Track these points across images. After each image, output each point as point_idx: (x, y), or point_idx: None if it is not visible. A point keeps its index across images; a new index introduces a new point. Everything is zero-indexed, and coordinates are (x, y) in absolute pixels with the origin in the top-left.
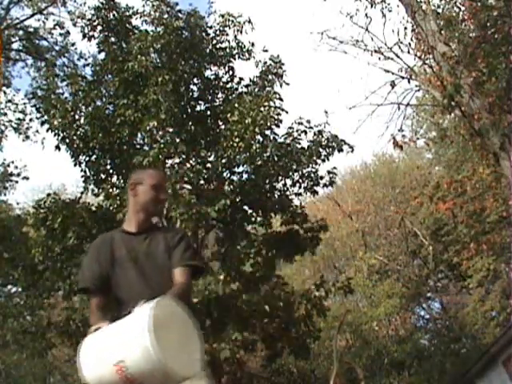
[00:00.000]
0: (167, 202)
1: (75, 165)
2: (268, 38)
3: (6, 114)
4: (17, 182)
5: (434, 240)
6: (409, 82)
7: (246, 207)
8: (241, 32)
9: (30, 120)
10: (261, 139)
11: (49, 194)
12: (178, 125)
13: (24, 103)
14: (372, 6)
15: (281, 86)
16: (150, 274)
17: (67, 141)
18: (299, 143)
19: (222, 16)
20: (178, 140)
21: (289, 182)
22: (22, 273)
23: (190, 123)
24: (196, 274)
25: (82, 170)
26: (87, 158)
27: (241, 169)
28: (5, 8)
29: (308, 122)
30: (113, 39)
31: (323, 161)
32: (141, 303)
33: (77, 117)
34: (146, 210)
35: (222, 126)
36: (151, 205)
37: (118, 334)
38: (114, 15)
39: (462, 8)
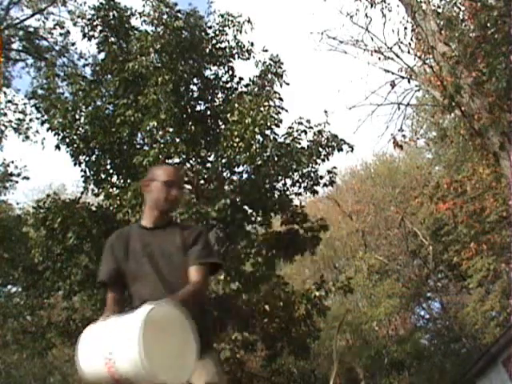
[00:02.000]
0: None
1: (75, 165)
2: (268, 37)
3: (5, 115)
4: (17, 182)
5: (434, 240)
6: (409, 81)
7: (246, 207)
8: (240, 32)
9: (30, 120)
10: (261, 139)
11: (49, 195)
12: (178, 125)
13: (24, 103)
14: (372, 6)
15: (281, 85)
16: (165, 270)
17: (67, 141)
18: (299, 143)
19: (222, 16)
20: (178, 140)
21: (289, 181)
22: (22, 273)
23: (190, 123)
24: (214, 270)
25: (82, 170)
26: (87, 158)
27: (241, 169)
28: (5, 8)
29: (308, 121)
30: (113, 39)
31: (323, 160)
32: (145, 303)
33: (77, 117)
34: (158, 207)
35: (222, 126)
36: (163, 201)
37: (114, 331)
38: (113, 15)
39: (462, 8)
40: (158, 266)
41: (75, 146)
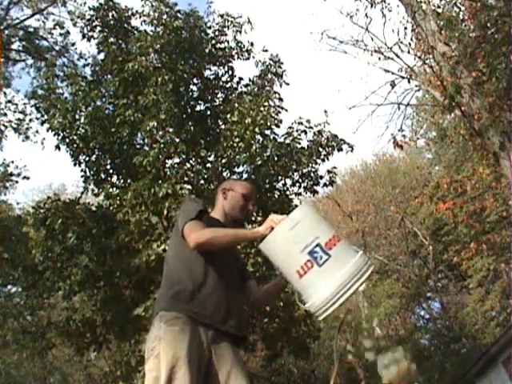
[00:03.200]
0: (167, 202)
1: (75, 165)
2: (268, 38)
3: (5, 115)
4: (17, 181)
5: (434, 240)
6: (409, 81)
7: None
8: (240, 32)
9: (30, 120)
10: (261, 139)
11: (49, 197)
12: (178, 125)
13: (24, 104)
14: (372, 6)
15: (280, 85)
16: (230, 272)
17: (67, 141)
18: (299, 143)
19: (221, 16)
20: (177, 140)
21: (289, 181)
22: (22, 273)
23: (190, 123)
24: None
25: (81, 170)
26: (87, 158)
27: (241, 169)
28: (5, 8)
29: (308, 121)
30: (112, 39)
31: (323, 160)
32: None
33: (77, 117)
34: (233, 214)
35: (222, 126)
36: (238, 211)
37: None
38: (113, 15)
39: (462, 8)
40: (227, 265)
41: (75, 145)
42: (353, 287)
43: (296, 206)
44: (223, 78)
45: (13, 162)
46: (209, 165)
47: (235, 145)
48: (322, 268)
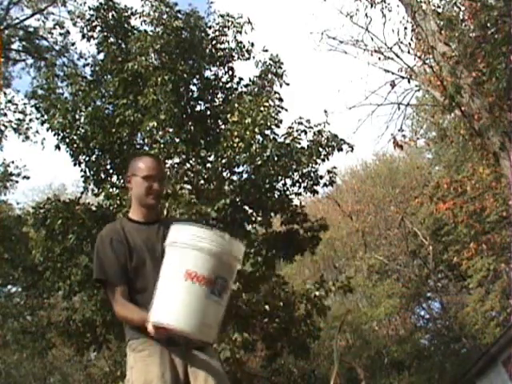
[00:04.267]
0: (167, 202)
1: (75, 165)
2: (268, 38)
3: (5, 115)
4: (17, 181)
5: (434, 240)
6: (409, 82)
7: (246, 207)
8: (240, 32)
9: (30, 120)
10: (261, 139)
11: (49, 197)
12: (178, 125)
13: (24, 104)
14: (372, 6)
15: (280, 85)
16: (158, 267)
17: (67, 141)
18: (299, 143)
19: (222, 16)
20: (177, 140)
21: (289, 181)
22: (22, 273)
23: (190, 123)
24: None
25: (81, 170)
26: (87, 158)
27: (241, 169)
28: (5, 8)
29: (308, 121)
30: (112, 39)
31: (323, 160)
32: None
33: (77, 117)
34: (141, 203)
35: (222, 126)
36: (145, 197)
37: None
38: (112, 15)
39: (462, 8)
40: (158, 262)
41: (75, 145)
42: None
43: (296, 206)
44: (223, 78)
45: (13, 162)
46: (209, 165)
47: (235, 145)
48: None
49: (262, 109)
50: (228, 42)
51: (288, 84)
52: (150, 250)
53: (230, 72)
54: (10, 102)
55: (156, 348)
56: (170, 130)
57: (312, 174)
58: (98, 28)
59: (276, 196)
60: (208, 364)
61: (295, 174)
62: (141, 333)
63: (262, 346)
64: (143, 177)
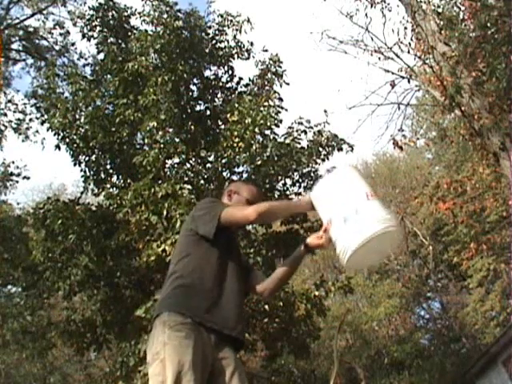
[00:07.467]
0: (167, 202)
1: (75, 165)
2: (268, 37)
3: (5, 115)
4: (17, 181)
5: (434, 240)
6: (409, 81)
7: None
8: (240, 32)
9: (30, 120)
10: (261, 139)
11: (49, 198)
12: (178, 125)
13: (24, 104)
14: (372, 6)
15: (280, 85)
16: (238, 271)
17: (67, 140)
18: (299, 143)
19: (221, 16)
20: (177, 140)
21: (289, 181)
22: (22, 273)
23: (190, 123)
24: None
25: (81, 170)
26: (87, 158)
27: (241, 169)
28: (5, 8)
29: (308, 121)
30: (112, 39)
31: (323, 160)
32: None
33: (77, 116)
34: None
35: (222, 126)
36: None
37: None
38: (112, 15)
39: (462, 8)
40: (234, 264)
41: (75, 145)
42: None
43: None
44: (223, 78)
45: (13, 162)
46: (209, 165)
47: (235, 145)
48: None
49: (261, 109)
50: (228, 41)
51: (288, 84)
52: (234, 247)
53: (230, 72)
54: (10, 101)
55: (193, 332)
56: (170, 130)
57: (312, 174)
58: (98, 28)
59: (276, 196)
60: (240, 366)
61: (295, 173)
62: (180, 310)
63: (262, 345)
64: (247, 199)
